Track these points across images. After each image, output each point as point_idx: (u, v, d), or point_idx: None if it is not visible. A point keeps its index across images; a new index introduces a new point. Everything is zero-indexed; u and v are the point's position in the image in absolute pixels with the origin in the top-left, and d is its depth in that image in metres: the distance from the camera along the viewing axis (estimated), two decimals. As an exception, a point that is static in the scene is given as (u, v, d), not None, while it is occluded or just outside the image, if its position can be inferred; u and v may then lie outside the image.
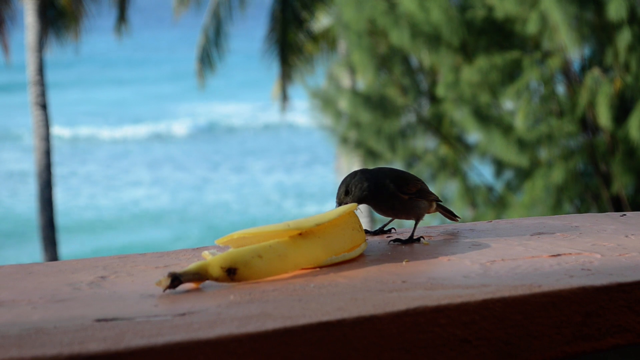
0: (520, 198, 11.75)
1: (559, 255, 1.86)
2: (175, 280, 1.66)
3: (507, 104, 11.96)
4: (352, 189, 2.01)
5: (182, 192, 25.53)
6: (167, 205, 24.32)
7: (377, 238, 2.08)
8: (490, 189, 12.35)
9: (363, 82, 13.60)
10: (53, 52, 15.54)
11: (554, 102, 11.57)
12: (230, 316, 1.50)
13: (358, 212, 1.96)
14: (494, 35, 11.84)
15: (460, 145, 12.52)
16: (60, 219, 17.91)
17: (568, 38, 11.11)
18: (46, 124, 13.92)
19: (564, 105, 11.55)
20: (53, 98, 23.78)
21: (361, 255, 1.91)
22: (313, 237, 1.82)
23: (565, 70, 11.78)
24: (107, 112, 35.83)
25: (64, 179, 25.99)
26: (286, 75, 16.11)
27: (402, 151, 12.34)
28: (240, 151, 30.43)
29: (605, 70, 11.47)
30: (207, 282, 1.70)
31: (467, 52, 11.82)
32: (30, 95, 14.17)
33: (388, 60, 12.46)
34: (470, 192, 12.15)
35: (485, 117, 11.44)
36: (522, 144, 11.27)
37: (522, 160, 11.30)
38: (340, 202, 2.01)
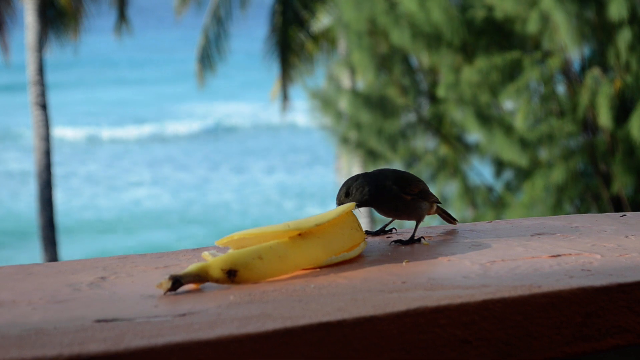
0: (520, 198, 11.75)
1: (558, 255, 1.86)
2: (176, 282, 1.66)
3: (508, 104, 11.96)
4: (353, 192, 2.01)
5: (183, 192, 25.53)
6: (168, 206, 24.33)
7: (377, 238, 2.09)
8: (490, 189, 12.35)
9: (363, 82, 13.60)
10: (53, 52, 15.54)
11: (554, 102, 11.57)
12: (230, 317, 1.50)
13: (357, 212, 1.97)
14: (494, 35, 11.84)
15: (460, 145, 12.52)
16: (60, 220, 17.91)
17: (568, 38, 11.11)
18: (46, 124, 13.92)
19: (564, 105, 11.55)
20: (54, 98, 23.79)
21: (361, 256, 1.91)
22: (313, 237, 1.82)
23: (565, 70, 11.78)
24: (107, 112, 35.84)
25: (64, 180, 26.00)
26: (286, 76, 16.11)
27: (403, 151, 12.35)
28: (241, 151, 30.43)
29: (605, 70, 11.47)
30: (207, 282, 1.70)
31: (467, 52, 11.82)
32: (30, 95, 14.17)
33: (388, 60, 12.46)
34: (470, 192, 12.15)
35: (486, 117, 11.44)
36: (524, 144, 11.27)
37: (523, 160, 11.30)
38: (340, 204, 2.01)
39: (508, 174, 12.31)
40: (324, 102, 12.72)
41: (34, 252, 18.34)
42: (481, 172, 12.56)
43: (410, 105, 12.50)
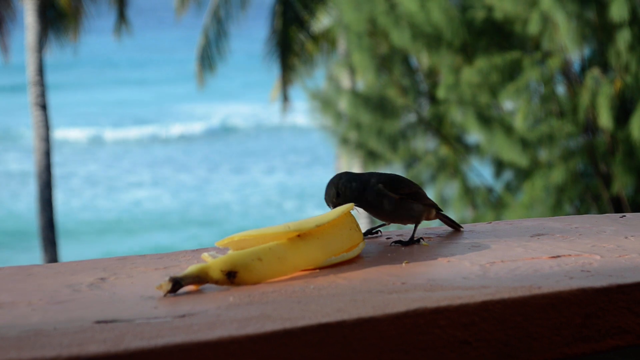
0: (520, 199, 11.75)
1: (558, 256, 1.86)
2: (177, 284, 1.66)
3: (508, 104, 11.96)
4: (343, 190, 2.01)
5: (183, 193, 25.53)
6: (169, 207, 24.33)
7: (377, 239, 2.08)
8: (489, 189, 12.35)
9: (363, 83, 13.60)
10: (53, 53, 15.54)
11: (554, 103, 11.57)
12: (229, 318, 1.50)
13: (355, 213, 1.97)
14: (494, 36, 11.84)
15: (460, 146, 12.52)
16: (60, 221, 17.91)
17: (568, 38, 11.11)
18: (46, 124, 13.92)
19: (564, 105, 11.55)
20: (54, 99, 23.78)
21: (360, 257, 1.91)
22: (312, 238, 1.83)
23: (565, 70, 11.78)
24: (108, 113, 35.84)
25: (64, 181, 25.99)
26: (286, 76, 16.11)
27: (403, 152, 12.35)
28: (242, 152, 30.44)
29: (605, 70, 11.47)
30: (207, 284, 1.70)
31: (467, 52, 11.83)
32: (30, 96, 14.17)
33: (388, 60, 12.46)
34: (470, 193, 12.15)
35: (486, 118, 11.44)
36: (524, 144, 11.27)
37: (523, 160, 11.30)
38: (334, 204, 2.01)
39: (508, 175, 12.31)
40: (324, 102, 12.72)
41: (33, 253, 18.34)
42: (481, 172, 12.56)
43: (410, 106, 12.50)
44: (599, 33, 11.37)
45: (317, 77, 15.96)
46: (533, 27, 11.24)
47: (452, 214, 12.16)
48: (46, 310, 1.57)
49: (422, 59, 12.51)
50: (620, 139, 11.30)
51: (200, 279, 1.69)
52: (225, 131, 33.54)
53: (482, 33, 11.82)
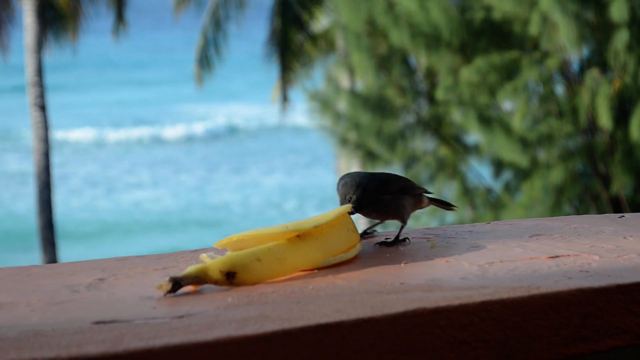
0: (519, 199, 11.75)
1: (557, 256, 1.86)
2: (176, 284, 1.66)
3: (508, 105, 11.96)
4: (363, 189, 1.99)
5: (184, 194, 25.52)
6: (169, 208, 24.32)
7: (375, 239, 2.08)
8: (489, 190, 12.35)
9: (362, 83, 13.60)
10: (52, 53, 15.53)
11: (552, 103, 11.57)
12: (228, 318, 1.50)
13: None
14: (493, 37, 11.84)
15: (459, 146, 12.52)
16: (60, 222, 17.91)
17: (568, 38, 11.11)
18: (45, 125, 13.92)
19: (563, 105, 11.55)
20: (54, 100, 23.76)
21: (359, 257, 1.91)
22: (310, 239, 1.83)
23: (564, 70, 11.79)
24: (107, 114, 35.83)
25: (64, 182, 25.98)
26: (286, 77, 16.11)
27: (401, 152, 12.35)
28: (242, 152, 30.43)
29: (604, 70, 11.47)
30: (206, 284, 1.71)
31: (466, 53, 11.83)
32: (29, 97, 14.17)
33: (387, 61, 12.46)
34: (469, 193, 12.15)
35: (486, 118, 11.44)
36: (524, 144, 11.27)
37: (523, 160, 11.30)
38: (359, 202, 1.98)
39: (507, 175, 12.31)
40: (323, 103, 12.72)
41: (33, 254, 18.34)
42: (480, 173, 12.56)
43: (409, 106, 12.50)
44: (598, 33, 11.37)
45: (317, 78, 15.96)
46: (533, 28, 11.24)
47: (451, 215, 12.16)
48: (45, 311, 1.57)
49: (421, 59, 12.51)
50: (619, 139, 11.30)
51: (199, 279, 1.69)
52: (225, 132, 33.53)
53: (481, 33, 11.83)
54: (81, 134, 32.55)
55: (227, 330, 1.44)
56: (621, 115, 11.32)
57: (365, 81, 13.11)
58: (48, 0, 15.04)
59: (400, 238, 2.03)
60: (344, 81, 14.54)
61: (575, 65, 11.98)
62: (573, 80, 11.78)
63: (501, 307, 1.57)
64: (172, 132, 33.06)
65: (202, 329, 1.45)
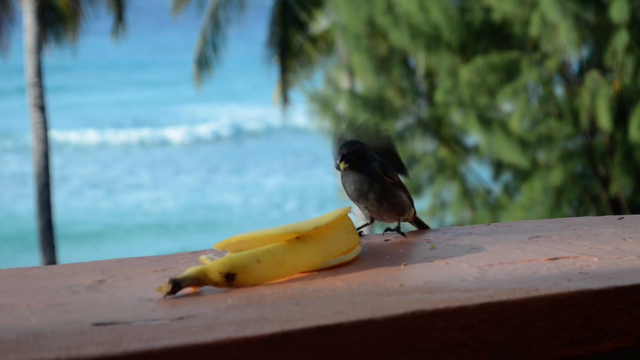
0: (519, 200, 11.75)
1: (556, 258, 1.86)
2: (176, 286, 1.66)
3: (508, 106, 11.96)
4: (359, 154, 2.09)
5: (183, 195, 25.52)
6: (169, 209, 24.32)
7: (374, 241, 2.08)
8: (488, 191, 12.35)
9: (362, 84, 13.61)
10: (52, 54, 15.54)
11: (552, 104, 11.57)
12: (228, 320, 1.50)
13: (352, 215, 1.97)
14: (493, 38, 11.85)
15: (459, 147, 12.53)
16: (60, 225, 17.90)
17: (567, 39, 11.11)
18: (44, 126, 13.92)
19: (562, 107, 11.55)
20: (54, 101, 23.76)
21: (358, 259, 1.91)
22: (310, 240, 1.83)
23: (564, 71, 11.79)
24: (107, 115, 35.82)
25: (65, 182, 25.98)
26: (286, 79, 16.11)
27: (401, 153, 12.33)
28: (242, 153, 30.44)
29: (604, 72, 11.48)
30: (206, 286, 1.71)
31: (465, 53, 11.83)
32: (28, 97, 14.17)
33: (387, 62, 12.46)
34: (468, 195, 12.15)
35: (486, 119, 11.44)
36: (523, 145, 11.27)
37: (523, 161, 11.30)
38: (348, 157, 2.07)
39: (506, 176, 12.31)
40: (323, 104, 12.73)
41: (33, 255, 18.33)
42: (480, 174, 12.56)
43: (409, 107, 12.50)
44: (598, 34, 11.38)
45: (317, 79, 15.96)
46: (533, 29, 11.24)
47: (450, 216, 12.18)
48: (45, 313, 1.57)
49: (421, 60, 12.51)
50: (619, 140, 11.30)
51: (199, 280, 1.69)
52: (226, 133, 33.51)
53: (481, 34, 11.83)
54: (82, 135, 32.55)
55: (227, 331, 1.44)
56: (621, 117, 11.32)
57: (365, 82, 13.12)
58: (48, 1, 15.04)
59: (400, 228, 2.06)
60: (344, 82, 14.55)
61: (575, 67, 11.99)
62: (573, 82, 11.78)
63: (501, 309, 1.57)
64: (173, 133, 33.05)
65: (202, 331, 1.45)
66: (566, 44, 11.25)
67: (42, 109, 14.00)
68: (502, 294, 1.60)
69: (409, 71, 12.70)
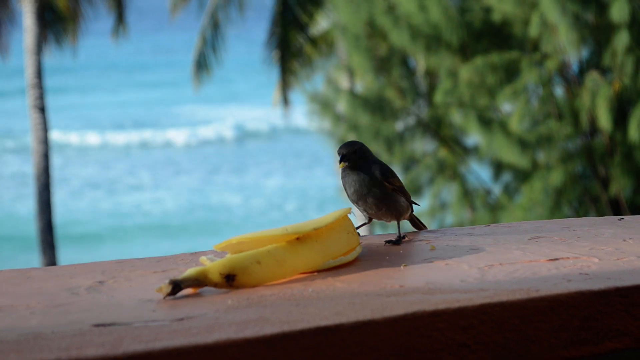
0: (519, 201, 11.75)
1: (556, 259, 1.86)
2: (176, 287, 1.66)
3: (508, 106, 11.96)
4: (360, 155, 2.10)
5: (184, 196, 25.51)
6: (170, 210, 24.32)
7: (374, 242, 2.09)
8: (488, 191, 12.35)
9: (361, 85, 13.61)
10: (52, 55, 15.53)
11: (552, 105, 11.57)
12: (228, 321, 1.50)
13: (352, 217, 1.97)
14: (493, 38, 11.85)
15: (458, 148, 12.52)
16: (60, 226, 17.89)
17: (567, 40, 11.11)
18: (44, 126, 13.91)
19: (562, 107, 11.55)
20: (57, 102, 23.76)
21: (358, 260, 1.91)
22: (310, 241, 1.83)
23: (564, 72, 11.79)
24: (106, 116, 35.82)
25: (65, 184, 25.98)
26: (287, 80, 16.10)
27: (400, 154, 12.34)
28: (243, 154, 30.44)
29: (604, 72, 11.48)
30: (206, 287, 1.70)
31: (466, 54, 11.83)
32: (28, 98, 14.17)
33: (386, 62, 12.47)
34: (468, 195, 12.15)
35: (486, 120, 11.44)
36: (523, 145, 11.27)
37: (523, 162, 11.30)
38: (349, 156, 2.09)
39: (506, 177, 12.31)
40: (323, 104, 12.73)
41: (33, 256, 18.33)
42: (480, 174, 12.56)
43: (409, 108, 12.50)
44: (598, 34, 11.38)
45: (317, 80, 15.96)
46: (533, 30, 11.24)
47: (450, 217, 12.17)
48: (45, 314, 1.57)
49: (421, 61, 12.52)
50: (619, 141, 11.30)
51: (199, 282, 1.69)
52: (226, 134, 33.49)
53: (481, 34, 11.83)
54: (82, 136, 32.54)
55: (227, 332, 1.44)
56: (620, 117, 11.32)
57: (364, 82, 13.12)
58: (48, 2, 15.04)
59: (401, 235, 2.06)
60: (344, 83, 14.55)
61: (575, 67, 11.99)
62: (573, 82, 11.78)
63: (501, 310, 1.57)
64: (173, 133, 33.05)
65: (202, 332, 1.45)
66: (566, 45, 11.25)
67: (42, 110, 13.99)
68: (502, 295, 1.60)
69: (409, 72, 12.70)
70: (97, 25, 15.99)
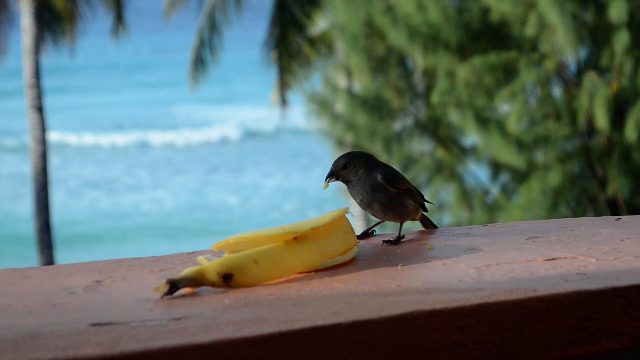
0: (517, 201, 11.75)
1: (554, 259, 1.86)
2: (173, 286, 1.66)
3: (505, 106, 11.96)
4: (351, 168, 2.08)
5: (182, 196, 25.50)
6: (168, 210, 24.31)
7: (370, 242, 2.08)
8: (486, 192, 12.36)
9: (359, 85, 13.61)
10: (50, 55, 15.53)
11: (550, 105, 11.57)
12: (225, 320, 1.50)
13: (350, 216, 1.97)
14: (491, 38, 11.85)
15: (456, 148, 12.53)
16: (58, 226, 17.89)
17: (565, 40, 11.12)
18: (42, 127, 13.91)
19: (560, 107, 11.56)
20: (56, 102, 23.75)
21: (356, 259, 1.91)
22: (308, 241, 1.83)
23: (562, 72, 11.79)
24: (107, 116, 35.81)
25: (63, 184, 25.97)
26: (285, 80, 16.10)
27: (398, 154, 12.34)
28: (242, 154, 30.43)
29: (602, 72, 11.48)
30: (203, 286, 1.70)
31: (464, 54, 11.84)
32: (26, 99, 14.16)
33: (384, 62, 12.47)
34: (466, 195, 12.16)
35: (484, 119, 11.44)
36: (521, 145, 11.27)
37: (521, 162, 11.31)
38: (334, 173, 2.08)
39: (504, 177, 12.31)
40: (321, 105, 12.73)
41: (31, 255, 18.33)
42: (477, 175, 12.56)
43: (407, 108, 12.50)
44: (596, 35, 11.38)
45: (315, 81, 15.96)
46: (530, 30, 11.24)
47: (448, 217, 12.18)
48: (42, 313, 1.57)
49: (418, 61, 12.52)
50: (616, 141, 11.31)
51: (196, 281, 1.69)
52: (225, 134, 33.49)
53: (479, 35, 11.84)
54: (81, 136, 32.54)
55: (224, 332, 1.44)
56: (618, 118, 11.32)
57: (362, 83, 13.12)
58: (46, 2, 15.03)
59: (401, 236, 2.06)
60: (342, 83, 14.55)
61: (573, 67, 11.99)
62: (571, 82, 11.79)
63: (498, 310, 1.57)
64: (173, 134, 33.04)
65: (199, 331, 1.45)
66: (564, 45, 11.25)
67: (40, 110, 13.99)
68: (500, 295, 1.60)
69: (407, 72, 12.71)
70: (96, 25, 15.99)
